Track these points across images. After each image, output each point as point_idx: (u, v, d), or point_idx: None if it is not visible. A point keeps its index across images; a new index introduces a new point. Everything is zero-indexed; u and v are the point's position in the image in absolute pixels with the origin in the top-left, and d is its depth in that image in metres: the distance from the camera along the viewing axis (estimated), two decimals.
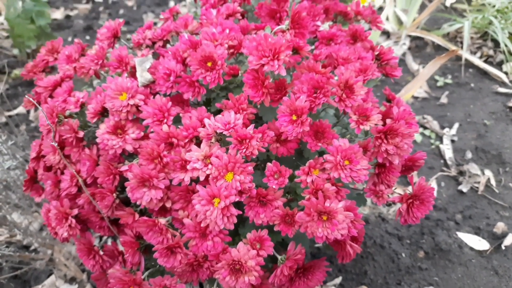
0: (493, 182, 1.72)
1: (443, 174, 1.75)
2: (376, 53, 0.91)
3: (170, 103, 0.82)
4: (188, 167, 0.77)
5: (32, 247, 1.47)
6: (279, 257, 0.83)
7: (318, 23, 1.03)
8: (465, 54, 2.25)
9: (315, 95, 0.78)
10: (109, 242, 1.43)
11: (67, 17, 2.75)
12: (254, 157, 0.77)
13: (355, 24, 1.01)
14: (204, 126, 0.81)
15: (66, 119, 0.87)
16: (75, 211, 0.87)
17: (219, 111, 0.87)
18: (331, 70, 0.84)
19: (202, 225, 0.76)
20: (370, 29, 1.10)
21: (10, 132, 1.85)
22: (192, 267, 0.79)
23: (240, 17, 1.00)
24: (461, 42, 2.36)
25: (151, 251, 0.83)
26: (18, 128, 1.99)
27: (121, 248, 0.90)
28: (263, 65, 0.78)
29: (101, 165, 0.83)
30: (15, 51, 2.30)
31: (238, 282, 0.75)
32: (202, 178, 0.77)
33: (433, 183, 1.73)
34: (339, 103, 0.79)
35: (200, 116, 0.83)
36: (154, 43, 0.95)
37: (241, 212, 0.78)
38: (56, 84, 0.94)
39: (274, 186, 0.80)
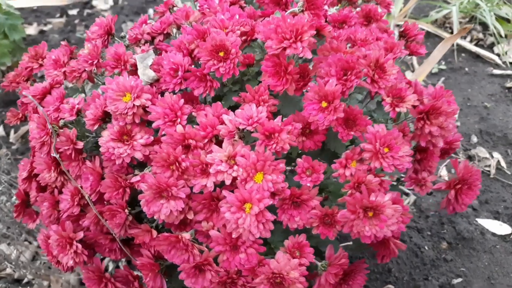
0: (503, 164, 1.68)
1: (451, 161, 1.70)
2: (401, 29, 0.84)
3: (182, 100, 0.72)
4: (211, 170, 0.67)
5: (25, 280, 1.33)
6: (319, 263, 0.74)
7: (326, 7, 0.96)
8: (456, 39, 2.22)
9: (345, 77, 0.70)
10: (113, 266, 1.31)
11: (41, 32, 2.61)
12: (285, 152, 0.68)
13: (367, 4, 0.94)
14: (223, 123, 0.71)
15: (61, 130, 0.76)
16: (80, 234, 0.76)
17: (232, 109, 0.78)
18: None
19: (233, 235, 0.66)
20: None
21: None
22: (225, 286, 0.69)
23: (244, 5, 0.91)
24: (450, 28, 2.34)
25: (174, 271, 0.73)
26: None
27: (136, 272, 0.79)
28: (284, 49, 0.70)
29: (107, 178, 0.73)
30: None
31: None
32: (228, 182, 0.67)
33: (443, 171, 1.68)
34: (372, 85, 0.71)
35: (216, 112, 0.73)
36: (153, 38, 0.85)
37: (275, 217, 0.68)
38: (45, 91, 0.83)
39: (308, 184, 0.71)
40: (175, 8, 0.95)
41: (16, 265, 1.22)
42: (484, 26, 2.31)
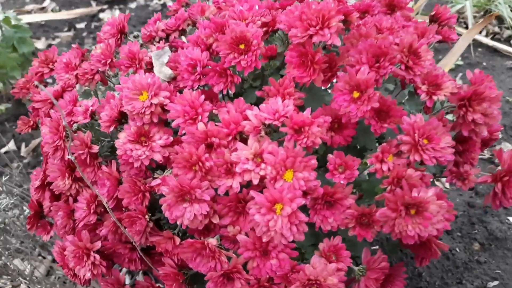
0: None
1: (495, 151, 1.63)
2: (432, 13, 0.79)
3: (203, 96, 0.67)
4: (237, 169, 0.62)
5: None
6: (355, 268, 0.68)
7: None
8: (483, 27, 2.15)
9: (377, 64, 0.65)
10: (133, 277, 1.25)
11: (50, 46, 2.61)
12: (316, 147, 0.63)
13: None
14: (246, 119, 0.66)
15: (75, 134, 0.72)
16: (98, 244, 0.71)
17: (254, 105, 0.73)
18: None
19: (264, 240, 0.61)
20: None
21: (2, 169, 1.68)
22: None
23: None
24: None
25: (198, 282, 0.68)
26: (9, 167, 1.81)
27: (157, 283, 0.74)
28: (311, 36, 0.65)
29: (125, 182, 0.68)
30: None
31: None
32: (255, 182, 0.62)
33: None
34: (406, 72, 0.66)
35: (239, 108, 0.68)
36: (168, 35, 0.81)
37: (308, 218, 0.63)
38: (57, 95, 0.79)
39: (341, 181, 0.65)
40: (188, 7, 0.91)
41: (30, 281, 1.17)
42: (500, 20, 2.25)
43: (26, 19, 2.39)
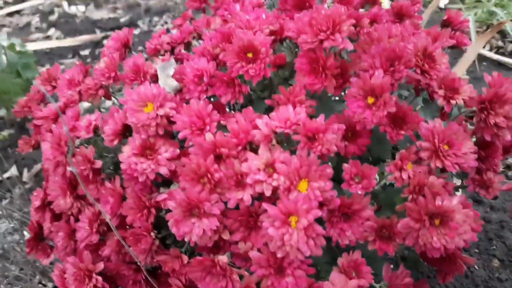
0: None
1: None
2: (444, 17, 0.77)
3: (210, 105, 0.64)
4: (248, 180, 0.58)
5: None
6: (376, 285, 0.63)
7: None
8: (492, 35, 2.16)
9: (392, 68, 0.62)
10: None
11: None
12: (331, 155, 0.60)
13: (399, 1, 0.87)
14: (256, 128, 0.63)
15: (77, 149, 0.69)
16: (101, 266, 0.66)
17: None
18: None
19: (278, 255, 0.56)
20: None
21: (3, 194, 1.64)
22: None
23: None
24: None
25: None
26: (11, 193, 1.78)
27: None
28: (321, 42, 0.63)
29: (129, 198, 0.64)
30: (1, 112, 2.13)
31: None
32: (268, 193, 0.58)
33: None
34: (422, 76, 0.64)
35: (248, 118, 0.65)
36: (173, 48, 0.79)
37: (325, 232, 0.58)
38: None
39: (359, 192, 0.61)
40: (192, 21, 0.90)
41: None
42: (502, 34, 2.25)
43: (31, 46, 2.42)
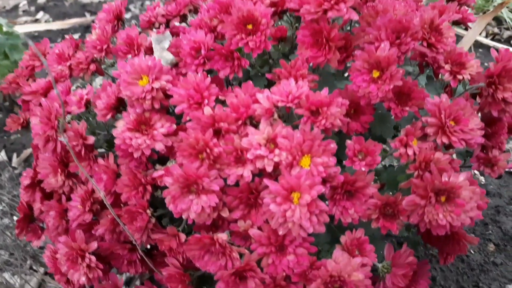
0: None
1: None
2: None
3: (208, 78, 0.62)
4: (249, 155, 0.56)
5: None
6: (379, 265, 0.62)
7: None
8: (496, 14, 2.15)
9: (398, 40, 0.60)
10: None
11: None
12: (335, 129, 0.57)
13: None
14: (257, 102, 0.61)
15: (68, 124, 0.66)
16: (94, 245, 0.64)
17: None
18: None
19: (280, 232, 0.54)
20: None
21: None
22: None
23: None
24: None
25: (206, 282, 0.61)
26: (0, 177, 1.74)
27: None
28: (325, 12, 0.60)
29: (124, 175, 0.62)
30: None
31: None
32: (269, 169, 0.56)
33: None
34: (429, 49, 0.61)
35: (248, 92, 0.63)
36: (168, 21, 0.76)
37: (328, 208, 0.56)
38: (48, 86, 0.73)
39: (363, 169, 0.59)
40: None
41: None
42: (498, 21, 2.24)
43: (19, 29, 2.35)
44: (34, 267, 1.29)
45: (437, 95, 0.72)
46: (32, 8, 3.01)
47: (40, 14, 2.93)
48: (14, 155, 1.90)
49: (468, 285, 1.19)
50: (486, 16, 1.12)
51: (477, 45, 2.14)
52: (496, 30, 2.22)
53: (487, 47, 2.13)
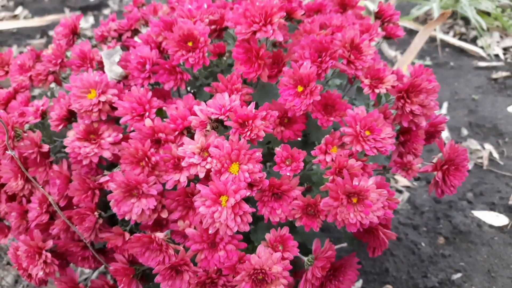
0: (495, 155, 1.65)
1: (436, 141, 1.67)
2: (376, 10, 0.81)
3: (150, 92, 0.68)
4: (183, 163, 0.63)
5: None
6: (305, 258, 0.69)
7: None
8: (439, 35, 2.23)
9: (320, 59, 0.67)
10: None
11: (21, 53, 2.57)
12: (260, 140, 0.64)
13: None
14: (194, 115, 0.67)
15: (25, 134, 0.72)
16: (50, 243, 0.71)
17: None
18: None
19: (210, 231, 0.62)
20: None
21: None
22: (204, 287, 0.64)
23: None
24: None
25: (151, 276, 0.68)
26: None
27: (112, 281, 0.74)
28: (254, 33, 0.67)
29: (75, 180, 0.68)
30: None
31: None
32: (202, 175, 0.63)
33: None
34: (348, 66, 0.68)
35: (188, 104, 0.70)
36: (120, 35, 0.82)
37: (254, 210, 0.64)
38: (9, 97, 0.79)
39: (288, 174, 0.67)
40: (144, 7, 0.92)
41: None
42: (466, 21, 2.31)
43: None
44: (10, 263, 1.35)
45: (366, 105, 0.80)
46: (11, 3, 3.01)
47: (19, 10, 2.94)
48: None
49: (418, 275, 1.28)
50: (431, 24, 1.19)
51: (444, 44, 2.22)
52: (463, 30, 2.29)
53: (453, 47, 2.20)
